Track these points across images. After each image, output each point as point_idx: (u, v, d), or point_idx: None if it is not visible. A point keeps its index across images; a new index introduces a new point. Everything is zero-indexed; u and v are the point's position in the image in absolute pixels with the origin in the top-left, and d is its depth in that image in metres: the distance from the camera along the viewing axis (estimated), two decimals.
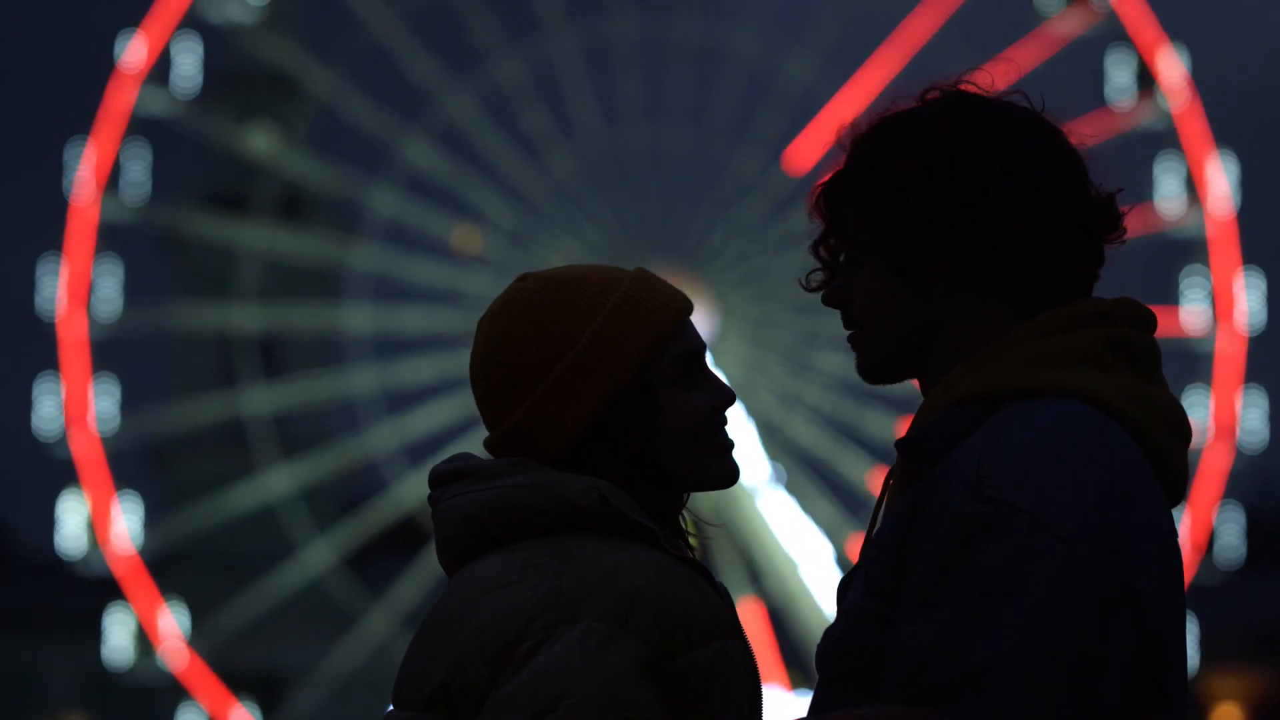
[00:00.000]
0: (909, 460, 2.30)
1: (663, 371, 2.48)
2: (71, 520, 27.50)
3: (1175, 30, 26.31)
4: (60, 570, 29.78)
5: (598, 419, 2.46)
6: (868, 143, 2.38)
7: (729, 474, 2.52)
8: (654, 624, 2.31)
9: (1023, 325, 2.31)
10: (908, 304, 2.36)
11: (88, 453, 25.59)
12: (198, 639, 27.86)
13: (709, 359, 2.60)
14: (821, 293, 2.45)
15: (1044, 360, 2.29)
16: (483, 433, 2.60)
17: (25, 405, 26.48)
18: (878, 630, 2.22)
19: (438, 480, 2.49)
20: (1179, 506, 2.36)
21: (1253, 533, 28.38)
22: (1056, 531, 2.14)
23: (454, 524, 2.44)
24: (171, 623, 26.41)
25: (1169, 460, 2.29)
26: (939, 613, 2.15)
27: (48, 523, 27.68)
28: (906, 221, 2.33)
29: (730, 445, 2.52)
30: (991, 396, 2.28)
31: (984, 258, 2.31)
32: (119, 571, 25.93)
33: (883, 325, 2.38)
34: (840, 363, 27.71)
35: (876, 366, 2.41)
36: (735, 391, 2.56)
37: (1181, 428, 2.32)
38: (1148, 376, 2.33)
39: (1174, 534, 2.26)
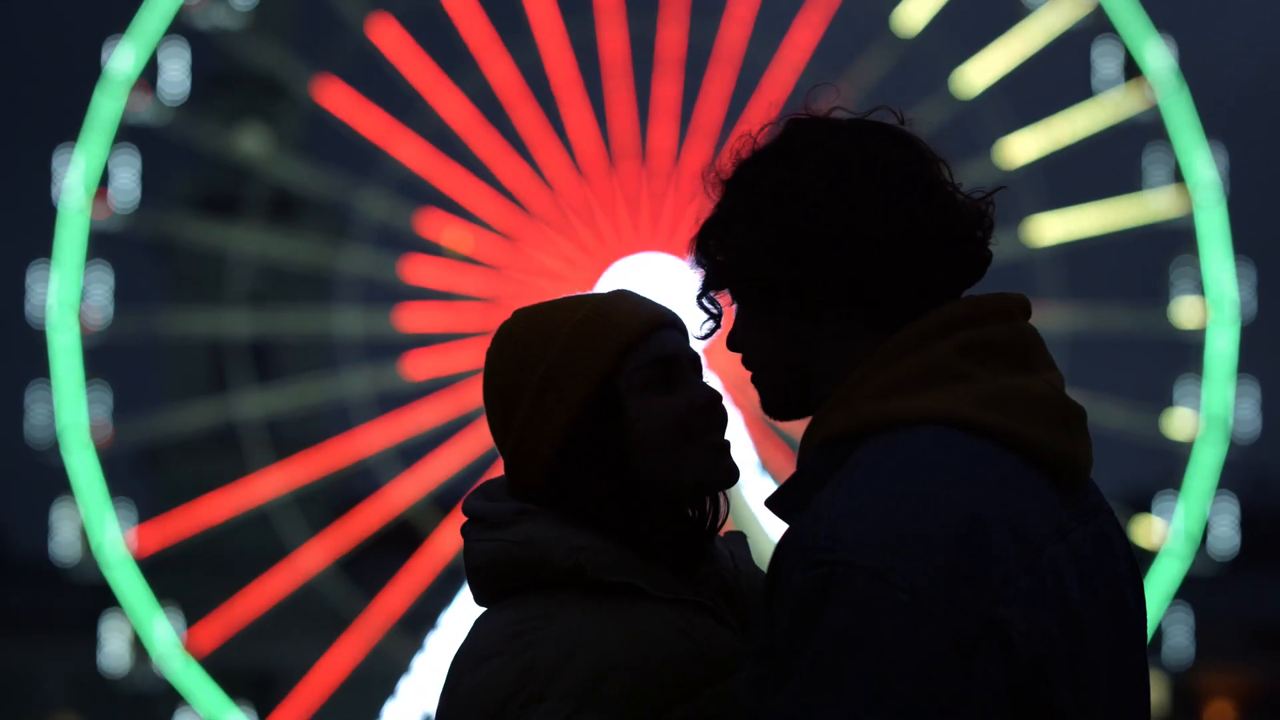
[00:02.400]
0: (780, 516, 2.28)
1: (628, 380, 2.47)
2: (65, 527, 27.47)
3: (1163, 22, 26.31)
4: (56, 573, 29.75)
5: (571, 436, 2.47)
6: (722, 188, 2.39)
7: (716, 474, 2.49)
8: (622, 695, 2.33)
9: (872, 352, 2.26)
10: (773, 342, 2.34)
11: (80, 461, 25.56)
12: (192, 643, 27.84)
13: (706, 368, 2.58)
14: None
15: (895, 388, 2.23)
16: (477, 432, 2.62)
17: (19, 409, 26.48)
18: (765, 693, 2.20)
19: (467, 514, 2.55)
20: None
21: (1247, 528, 28.36)
22: (899, 581, 2.09)
23: (469, 573, 2.51)
24: (167, 629, 26.38)
25: (1048, 450, 2.23)
26: (794, 683, 2.11)
27: (42, 526, 27.67)
28: (742, 260, 2.33)
29: (720, 445, 2.49)
30: (847, 438, 2.24)
31: (826, 285, 2.28)
32: (114, 578, 25.90)
33: (760, 365, 2.38)
34: None
35: (771, 406, 2.39)
36: (719, 394, 2.51)
37: (1058, 409, 2.26)
38: (1016, 369, 2.27)
39: (1056, 537, 2.19)
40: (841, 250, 2.27)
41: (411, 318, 28.36)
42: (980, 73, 27.01)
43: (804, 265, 2.28)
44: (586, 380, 2.47)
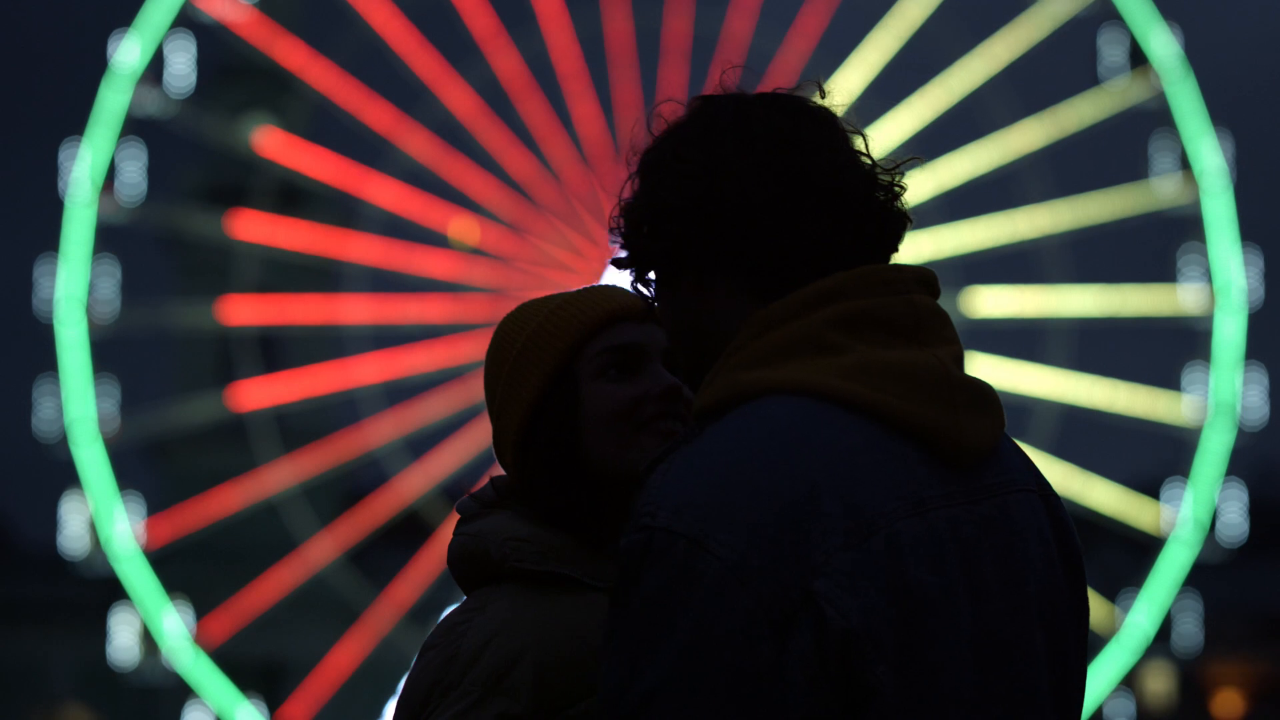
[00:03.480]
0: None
1: (585, 366, 2.52)
2: (74, 520, 27.51)
3: (1169, 9, 26.28)
4: (64, 566, 29.81)
5: (529, 425, 2.52)
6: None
7: None
8: (530, 684, 2.39)
9: (744, 323, 2.24)
10: (677, 314, 2.34)
11: (89, 454, 25.59)
12: (202, 636, 27.88)
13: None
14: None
15: (762, 359, 2.21)
16: (484, 423, 2.66)
17: (27, 403, 26.51)
18: None
19: (456, 510, 2.63)
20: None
21: (1255, 516, 28.34)
22: (716, 549, 2.07)
23: (448, 566, 2.61)
24: (176, 621, 26.42)
25: (923, 424, 2.18)
26: (613, 648, 2.12)
27: (51, 519, 27.69)
28: (629, 234, 2.36)
29: (673, 434, 2.49)
30: (716, 409, 2.22)
31: (702, 255, 2.27)
32: (122, 571, 25.94)
33: (672, 337, 2.37)
34: None
35: (686, 380, 2.38)
36: (678, 383, 2.52)
37: (942, 384, 2.20)
38: (900, 342, 2.22)
39: (909, 512, 2.14)
40: (707, 219, 2.26)
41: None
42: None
43: (673, 236, 2.29)
44: (542, 370, 2.52)
